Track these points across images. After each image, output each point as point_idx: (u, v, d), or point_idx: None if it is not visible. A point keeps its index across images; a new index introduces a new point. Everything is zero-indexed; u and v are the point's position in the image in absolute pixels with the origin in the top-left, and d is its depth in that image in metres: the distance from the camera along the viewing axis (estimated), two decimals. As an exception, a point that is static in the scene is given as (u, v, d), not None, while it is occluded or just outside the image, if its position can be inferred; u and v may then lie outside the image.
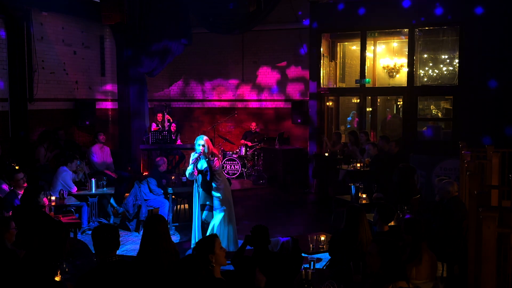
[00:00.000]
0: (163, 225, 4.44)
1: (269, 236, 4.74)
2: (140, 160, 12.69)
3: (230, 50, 14.62)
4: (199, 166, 6.86)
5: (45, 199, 6.89)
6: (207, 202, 7.00)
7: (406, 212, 6.26)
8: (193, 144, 6.94)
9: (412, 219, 4.74)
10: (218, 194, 6.87)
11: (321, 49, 12.07)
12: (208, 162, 6.76)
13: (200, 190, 6.99)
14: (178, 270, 3.58)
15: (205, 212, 6.99)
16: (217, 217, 6.91)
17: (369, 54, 12.53)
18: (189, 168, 6.84)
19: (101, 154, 10.40)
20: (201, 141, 6.76)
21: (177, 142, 12.45)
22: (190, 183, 8.59)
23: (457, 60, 11.24)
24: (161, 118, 12.94)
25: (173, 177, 9.07)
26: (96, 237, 3.82)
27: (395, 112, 14.63)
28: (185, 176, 8.96)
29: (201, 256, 3.85)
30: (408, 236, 4.59)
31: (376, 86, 13.06)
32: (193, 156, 6.78)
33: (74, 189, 8.42)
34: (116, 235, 3.87)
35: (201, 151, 6.72)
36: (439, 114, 14.44)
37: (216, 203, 6.91)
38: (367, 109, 12.28)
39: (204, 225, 7.01)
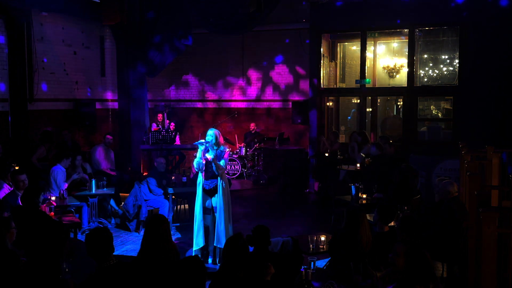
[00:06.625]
0: (165, 225, 4.44)
1: (270, 236, 4.73)
2: (140, 160, 12.68)
3: (230, 51, 14.62)
4: (208, 155, 6.77)
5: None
6: (210, 204, 6.94)
7: (406, 213, 6.25)
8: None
9: (407, 217, 4.75)
10: (221, 188, 6.85)
11: (321, 49, 12.07)
12: (218, 154, 6.73)
13: (201, 192, 6.91)
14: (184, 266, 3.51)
15: (208, 216, 6.94)
16: (219, 218, 6.88)
17: (369, 54, 12.52)
18: (198, 157, 6.74)
19: (104, 155, 10.42)
20: (210, 132, 6.80)
21: (176, 142, 12.43)
22: (190, 183, 8.60)
23: (457, 60, 11.24)
24: (162, 118, 12.93)
25: (173, 177, 9.07)
26: (90, 243, 3.75)
27: (395, 112, 14.63)
28: (185, 176, 8.97)
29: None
30: (403, 233, 4.61)
31: (376, 86, 13.05)
32: (200, 149, 6.74)
33: (62, 189, 8.13)
34: (110, 238, 3.80)
35: (210, 141, 6.72)
36: (439, 114, 14.45)
37: (218, 202, 6.86)
38: (367, 109, 12.27)
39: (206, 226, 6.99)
